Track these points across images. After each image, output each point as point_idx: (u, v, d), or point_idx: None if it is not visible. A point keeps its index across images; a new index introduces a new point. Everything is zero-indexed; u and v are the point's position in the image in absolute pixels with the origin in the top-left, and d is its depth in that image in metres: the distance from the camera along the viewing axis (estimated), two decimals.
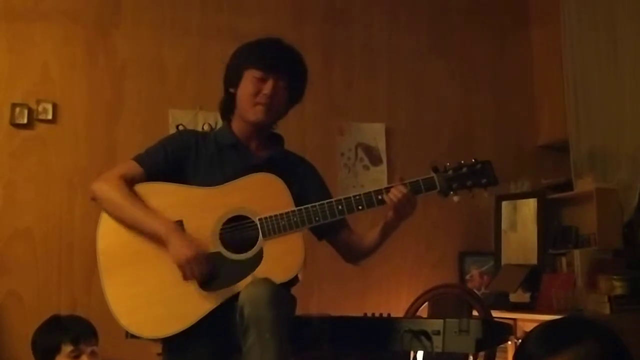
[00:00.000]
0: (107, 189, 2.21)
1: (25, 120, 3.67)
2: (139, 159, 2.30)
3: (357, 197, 2.20)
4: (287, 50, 2.38)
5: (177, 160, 2.30)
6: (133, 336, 2.16)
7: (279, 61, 2.32)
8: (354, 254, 2.44)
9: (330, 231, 2.37)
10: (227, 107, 2.40)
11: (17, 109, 3.67)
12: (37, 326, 3.16)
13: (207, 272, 2.10)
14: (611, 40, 4.05)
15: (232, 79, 2.35)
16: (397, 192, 2.18)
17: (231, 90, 2.35)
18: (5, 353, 3.50)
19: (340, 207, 2.19)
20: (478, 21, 4.67)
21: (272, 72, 2.29)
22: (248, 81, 2.29)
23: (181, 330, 2.05)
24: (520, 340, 2.10)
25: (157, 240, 2.14)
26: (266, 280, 2.02)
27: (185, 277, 2.08)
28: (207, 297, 2.09)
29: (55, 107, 3.74)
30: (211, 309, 2.07)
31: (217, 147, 2.35)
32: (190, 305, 2.08)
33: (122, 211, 2.18)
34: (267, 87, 2.28)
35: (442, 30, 4.59)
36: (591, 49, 4.17)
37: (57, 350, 3.04)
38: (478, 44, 4.65)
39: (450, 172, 2.23)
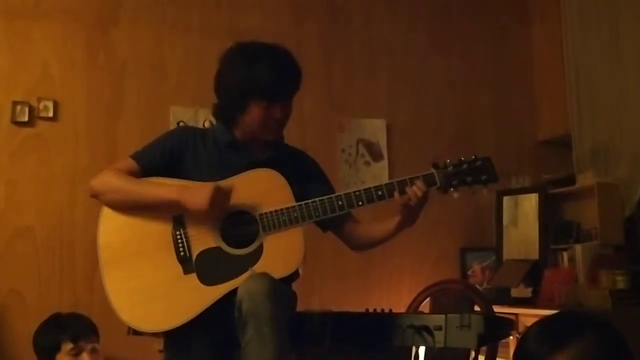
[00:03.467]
0: (107, 179, 2.21)
1: (26, 118, 3.68)
2: (135, 156, 2.28)
3: (357, 193, 2.20)
4: (288, 67, 2.28)
5: (174, 157, 2.29)
6: (135, 332, 2.16)
7: (285, 88, 2.28)
8: (359, 244, 2.44)
9: (335, 223, 2.37)
10: (226, 117, 2.34)
11: (18, 107, 3.67)
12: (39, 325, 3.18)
13: (229, 201, 2.13)
14: (614, 34, 4.04)
15: (235, 105, 2.28)
16: (418, 189, 2.18)
17: (232, 111, 2.30)
18: (8, 352, 3.50)
19: (340, 202, 2.19)
20: (478, 17, 4.67)
21: (280, 100, 2.26)
22: (257, 111, 2.24)
23: (182, 324, 2.05)
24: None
25: (170, 207, 2.14)
26: (264, 275, 2.02)
27: (217, 212, 2.12)
28: (207, 291, 2.09)
29: (56, 105, 3.74)
30: (211, 303, 2.07)
31: (216, 145, 2.33)
32: (190, 299, 2.08)
33: (126, 193, 2.17)
34: (278, 114, 2.26)
35: (442, 26, 4.59)
36: (593, 43, 4.16)
37: (57, 348, 3.05)
38: (478, 40, 4.65)
39: (450, 168, 2.23)
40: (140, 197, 2.17)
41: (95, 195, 2.23)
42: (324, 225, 2.37)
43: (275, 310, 1.93)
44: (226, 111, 2.34)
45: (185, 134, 2.37)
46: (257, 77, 2.21)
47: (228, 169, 2.26)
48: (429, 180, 2.22)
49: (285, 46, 2.33)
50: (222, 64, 2.34)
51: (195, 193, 2.11)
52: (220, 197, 2.11)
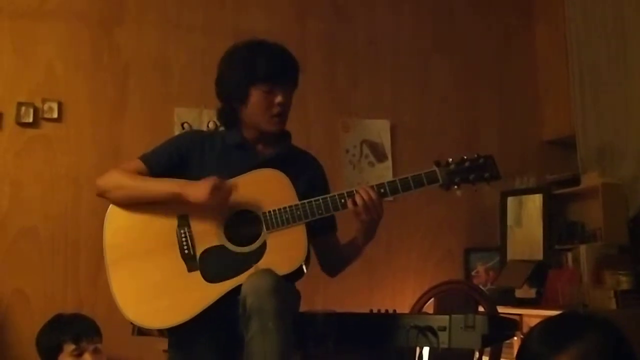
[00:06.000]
0: (113, 176, 2.25)
1: (30, 119, 3.69)
2: (143, 158, 2.32)
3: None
4: (285, 55, 2.35)
5: (182, 160, 2.32)
6: (140, 332, 2.17)
7: (285, 72, 2.32)
8: (334, 262, 2.46)
9: (325, 229, 2.38)
10: (230, 119, 2.40)
11: (23, 108, 3.68)
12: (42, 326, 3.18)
13: (230, 195, 2.15)
14: (619, 32, 4.02)
15: (236, 96, 2.33)
16: (364, 195, 2.18)
17: (234, 105, 2.35)
18: (12, 352, 3.51)
19: (342, 200, 2.20)
20: (482, 17, 4.67)
21: (280, 84, 2.30)
22: (259, 97, 2.29)
23: (186, 320, 2.07)
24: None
25: (174, 200, 2.16)
26: (269, 271, 2.03)
27: (217, 204, 2.13)
28: (211, 288, 2.11)
29: (60, 106, 3.75)
30: (214, 300, 2.08)
31: (224, 146, 2.36)
32: (194, 297, 2.09)
33: (131, 189, 2.21)
34: (279, 98, 2.29)
35: (446, 26, 4.59)
36: (598, 42, 4.15)
37: (59, 349, 3.05)
38: (482, 40, 4.64)
39: (452, 166, 2.23)
40: (145, 192, 2.21)
41: (101, 194, 2.26)
42: (316, 231, 2.34)
43: (280, 306, 1.94)
44: (229, 109, 2.37)
45: (193, 137, 2.42)
46: (256, 63, 2.29)
47: (235, 169, 2.28)
48: (431, 178, 2.22)
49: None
50: (221, 66, 2.40)
51: (196, 185, 2.14)
52: (221, 190, 2.13)
